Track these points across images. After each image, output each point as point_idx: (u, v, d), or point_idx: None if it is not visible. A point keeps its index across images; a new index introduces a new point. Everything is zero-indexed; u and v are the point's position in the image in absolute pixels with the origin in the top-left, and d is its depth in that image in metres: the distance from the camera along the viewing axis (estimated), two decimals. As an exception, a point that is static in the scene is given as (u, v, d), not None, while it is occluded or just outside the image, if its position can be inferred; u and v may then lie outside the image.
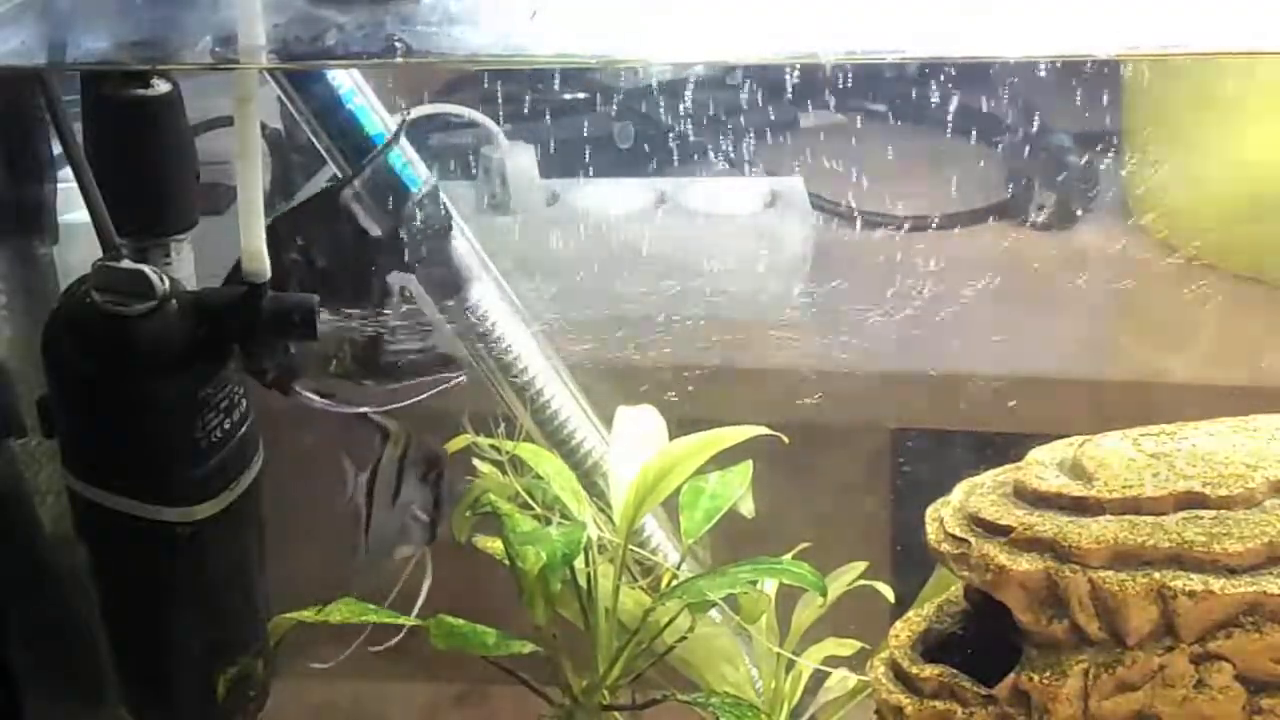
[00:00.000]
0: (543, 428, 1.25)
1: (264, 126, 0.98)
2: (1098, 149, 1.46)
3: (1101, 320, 1.39)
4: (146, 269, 0.97)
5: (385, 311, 1.13)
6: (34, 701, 1.14)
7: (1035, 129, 1.45)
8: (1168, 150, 1.41)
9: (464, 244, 1.22)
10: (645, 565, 1.23)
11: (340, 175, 1.15)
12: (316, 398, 1.06)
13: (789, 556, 1.14)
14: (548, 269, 1.30)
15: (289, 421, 1.08)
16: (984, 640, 1.02)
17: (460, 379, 1.13)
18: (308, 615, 1.14)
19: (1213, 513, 0.98)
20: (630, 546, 1.17)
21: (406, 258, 1.16)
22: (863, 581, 1.19)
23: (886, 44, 0.98)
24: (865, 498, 1.43)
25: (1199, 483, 0.99)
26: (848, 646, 1.20)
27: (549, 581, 1.12)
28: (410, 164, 1.18)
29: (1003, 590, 0.98)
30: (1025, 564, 0.97)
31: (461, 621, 1.12)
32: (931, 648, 1.04)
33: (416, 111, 1.29)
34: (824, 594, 1.13)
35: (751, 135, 1.42)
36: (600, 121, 1.47)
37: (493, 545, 1.19)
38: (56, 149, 1.09)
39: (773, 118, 1.42)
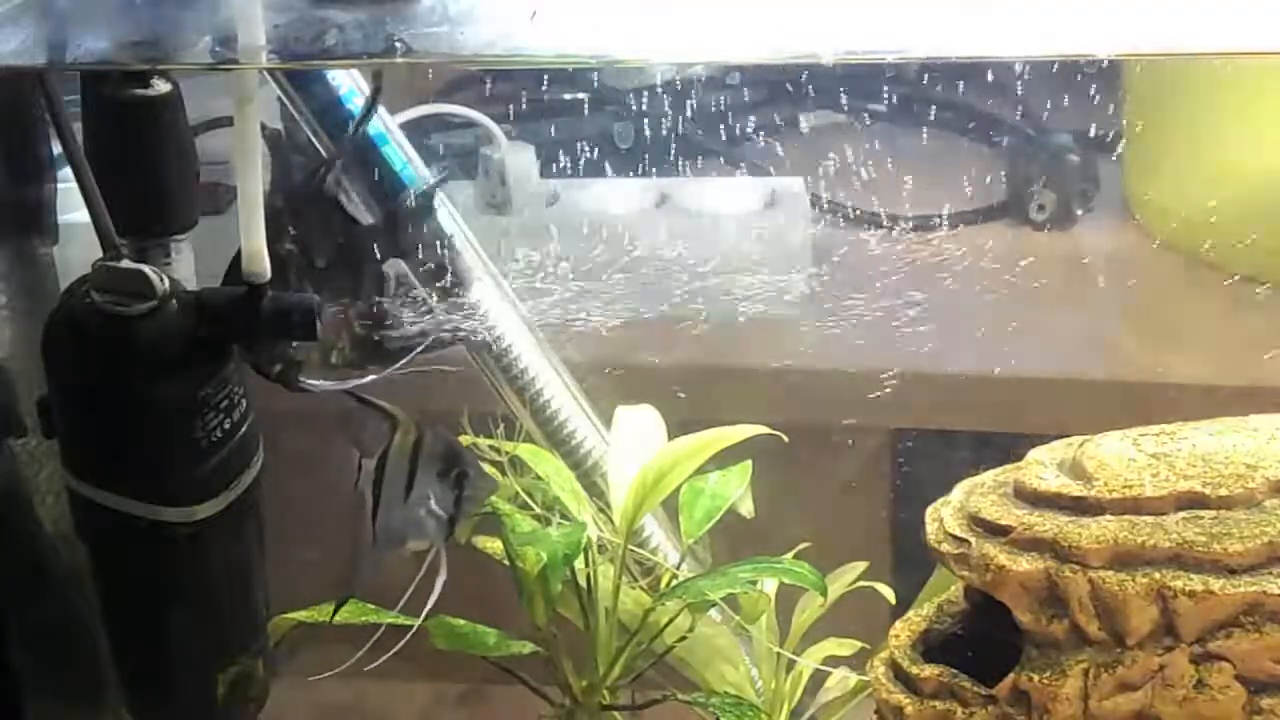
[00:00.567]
0: (543, 428, 1.25)
1: (264, 126, 0.98)
2: (1098, 149, 1.46)
3: (1101, 320, 1.39)
4: (146, 269, 0.97)
5: (382, 299, 1.13)
6: (34, 702, 1.14)
7: (1035, 129, 1.45)
8: (1168, 150, 1.41)
9: (463, 244, 1.23)
10: (645, 565, 1.23)
11: (340, 174, 1.15)
12: (323, 383, 1.05)
13: (789, 556, 1.14)
14: (548, 269, 1.30)
15: (289, 421, 1.08)
16: (984, 640, 1.02)
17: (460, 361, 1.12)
18: (308, 615, 1.14)
19: (1213, 513, 0.98)
20: (630, 546, 1.17)
21: (400, 246, 1.16)
22: (863, 582, 1.19)
23: (886, 44, 0.98)
24: (865, 498, 1.43)
25: (1199, 483, 0.99)
26: (848, 646, 1.20)
27: (549, 581, 1.12)
28: (410, 162, 1.18)
29: (1003, 590, 0.98)
30: (1025, 564, 0.97)
31: (462, 621, 1.12)
32: (931, 648, 1.04)
33: (416, 111, 1.29)
34: (824, 594, 1.13)
35: (751, 135, 1.42)
36: (600, 121, 1.46)
37: (493, 545, 1.19)
38: (56, 149, 1.09)
39: (773, 118, 1.42)
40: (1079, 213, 1.48)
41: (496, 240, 1.28)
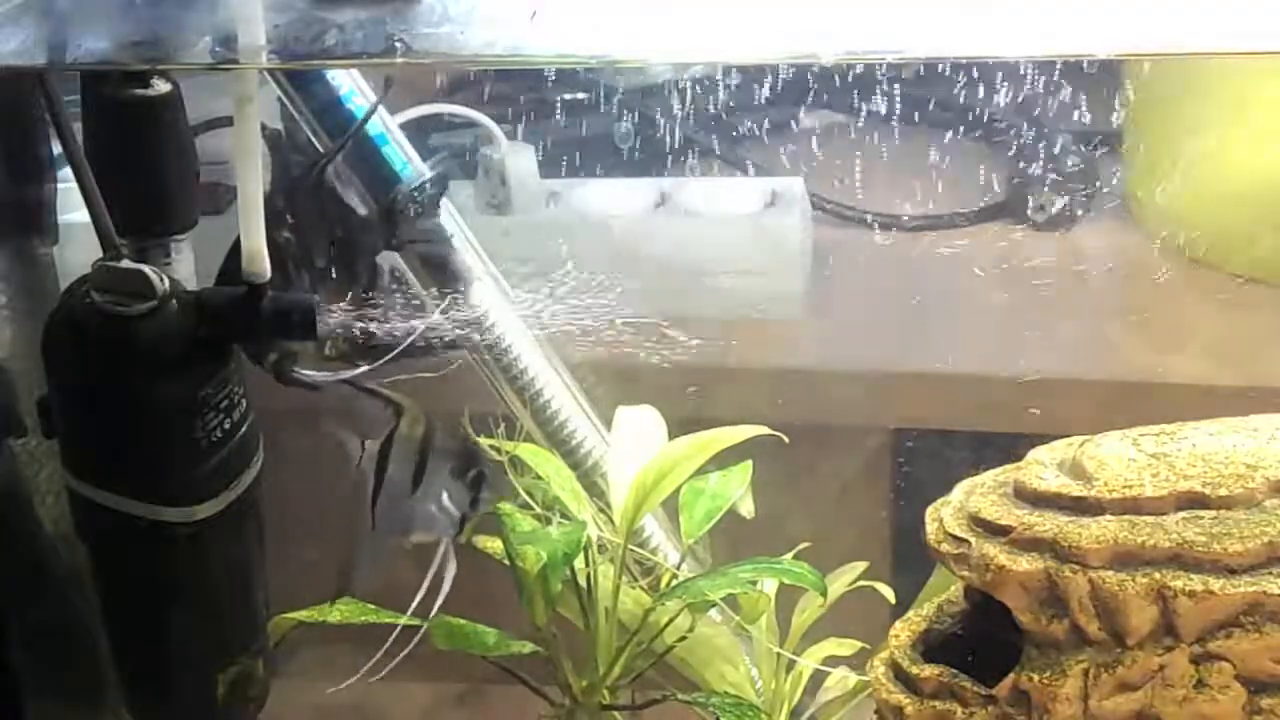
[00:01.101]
0: (543, 428, 1.25)
1: (264, 126, 0.98)
2: (1098, 149, 1.46)
3: (1101, 320, 1.39)
4: (146, 269, 0.97)
5: (376, 293, 1.13)
6: (34, 702, 1.14)
7: (1035, 129, 1.45)
8: (1168, 150, 1.41)
9: (463, 243, 1.23)
10: (645, 565, 1.23)
11: (340, 175, 1.15)
12: (319, 375, 1.05)
13: (789, 556, 1.14)
14: (547, 269, 1.30)
15: (290, 420, 1.08)
16: (984, 640, 1.02)
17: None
18: (308, 615, 1.14)
19: (1213, 513, 0.98)
20: (630, 546, 1.17)
21: (395, 240, 1.16)
22: (863, 582, 1.19)
23: (886, 44, 0.98)
24: (865, 498, 1.43)
25: (1199, 483, 0.99)
26: (848, 646, 1.20)
27: (549, 581, 1.12)
28: (409, 161, 1.18)
29: (1003, 590, 0.98)
30: (1025, 564, 0.97)
31: (462, 621, 1.12)
32: (931, 648, 1.04)
33: (416, 111, 1.29)
34: (824, 594, 1.13)
35: (751, 135, 1.42)
36: (600, 121, 1.46)
37: (493, 545, 1.19)
38: (56, 149, 1.09)
39: (772, 118, 1.42)
40: (1079, 213, 1.48)
41: (496, 240, 1.28)
